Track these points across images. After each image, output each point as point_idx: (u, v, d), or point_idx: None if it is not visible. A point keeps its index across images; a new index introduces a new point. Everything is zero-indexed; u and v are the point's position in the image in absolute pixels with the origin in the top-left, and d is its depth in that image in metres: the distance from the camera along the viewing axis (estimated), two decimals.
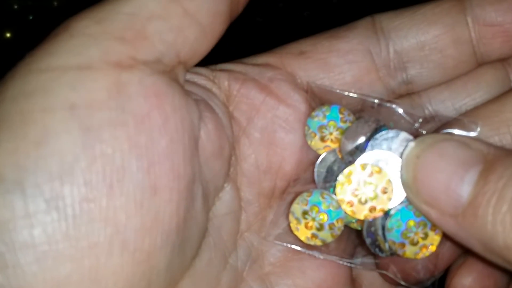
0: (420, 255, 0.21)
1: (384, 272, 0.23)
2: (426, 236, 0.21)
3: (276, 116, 0.23)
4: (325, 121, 0.22)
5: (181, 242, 0.19)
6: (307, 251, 0.22)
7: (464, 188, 0.19)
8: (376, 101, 0.22)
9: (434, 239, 0.21)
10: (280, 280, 0.22)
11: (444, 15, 0.23)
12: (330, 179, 0.23)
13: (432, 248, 0.21)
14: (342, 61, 0.23)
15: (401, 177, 0.20)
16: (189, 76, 0.22)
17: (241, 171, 0.22)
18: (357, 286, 0.23)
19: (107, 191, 0.17)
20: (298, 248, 0.22)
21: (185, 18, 0.19)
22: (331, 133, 0.22)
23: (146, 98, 0.18)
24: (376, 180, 0.21)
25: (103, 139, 0.17)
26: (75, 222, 0.17)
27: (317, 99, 0.23)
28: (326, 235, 0.22)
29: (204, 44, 0.20)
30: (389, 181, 0.21)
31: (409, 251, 0.21)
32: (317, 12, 0.48)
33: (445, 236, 0.21)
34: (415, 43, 0.23)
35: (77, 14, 0.19)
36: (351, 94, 0.22)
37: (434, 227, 0.21)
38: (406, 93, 0.24)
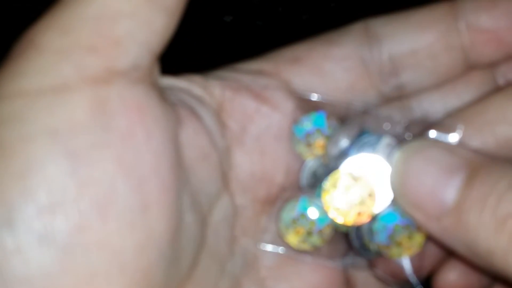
0: (406, 255, 0.22)
1: (373, 273, 0.23)
2: (411, 237, 0.22)
3: (270, 124, 0.22)
4: (311, 128, 0.23)
5: (175, 255, 0.19)
6: (298, 256, 0.23)
7: (449, 193, 0.19)
8: (361, 107, 0.22)
9: (419, 240, 0.22)
10: (278, 284, 0.23)
11: (438, 21, 0.23)
12: (315, 185, 0.23)
13: (417, 249, 0.22)
14: (337, 68, 0.23)
15: (390, 181, 0.21)
16: (181, 83, 0.22)
17: (236, 179, 0.22)
18: (351, 286, 0.24)
19: (100, 216, 0.17)
20: (289, 254, 0.23)
21: (152, 8, 0.18)
22: (317, 140, 0.23)
23: (128, 114, 0.17)
24: (361, 185, 0.22)
25: (90, 163, 0.17)
26: (70, 254, 0.16)
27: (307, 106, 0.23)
28: (316, 240, 0.22)
29: (172, 28, 0.19)
30: (374, 185, 0.22)
31: (395, 252, 0.22)
32: (316, 15, 0.48)
33: (429, 238, 0.22)
34: (408, 49, 0.23)
35: (37, 23, 0.18)
36: (336, 102, 0.23)
37: (419, 228, 0.22)
38: (396, 96, 0.24)
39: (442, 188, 0.19)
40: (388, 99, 0.24)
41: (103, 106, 0.17)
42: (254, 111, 0.22)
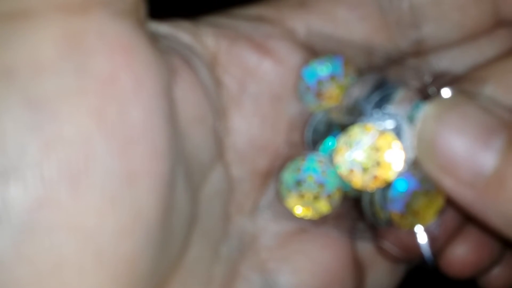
0: (420, 226, 0.20)
1: (382, 246, 0.21)
2: (429, 206, 0.19)
3: (273, 81, 0.19)
4: (325, 74, 0.19)
5: (165, 238, 0.15)
6: (300, 224, 0.20)
7: (488, 156, 0.17)
8: (384, 55, 0.19)
9: (436, 209, 0.19)
10: (281, 266, 0.19)
11: None
12: (321, 143, 0.20)
13: (432, 219, 0.20)
14: (351, 16, 0.20)
15: (416, 139, 0.18)
16: (164, 29, 0.18)
17: (232, 146, 0.19)
18: (359, 267, 0.21)
19: (70, 187, 0.13)
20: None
21: None
22: (329, 89, 0.19)
23: (110, 54, 0.14)
24: (380, 145, 0.19)
25: (58, 116, 0.13)
26: (28, 237, 0.13)
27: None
28: (323, 206, 0.19)
29: None
30: (396, 145, 0.19)
31: (409, 222, 0.19)
32: None
33: (450, 204, 0.19)
34: None
35: None
36: (358, 45, 0.19)
37: (438, 195, 0.19)
38: (414, 51, 0.21)
39: (480, 149, 0.17)
40: (404, 55, 0.21)
41: (77, 41, 0.14)
42: (255, 65, 0.19)
